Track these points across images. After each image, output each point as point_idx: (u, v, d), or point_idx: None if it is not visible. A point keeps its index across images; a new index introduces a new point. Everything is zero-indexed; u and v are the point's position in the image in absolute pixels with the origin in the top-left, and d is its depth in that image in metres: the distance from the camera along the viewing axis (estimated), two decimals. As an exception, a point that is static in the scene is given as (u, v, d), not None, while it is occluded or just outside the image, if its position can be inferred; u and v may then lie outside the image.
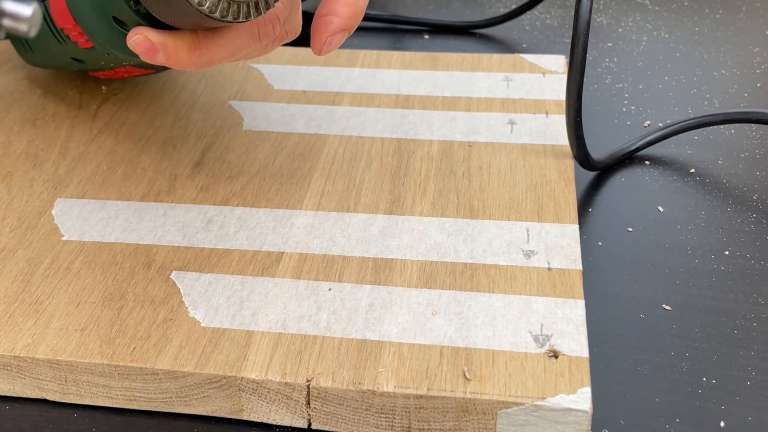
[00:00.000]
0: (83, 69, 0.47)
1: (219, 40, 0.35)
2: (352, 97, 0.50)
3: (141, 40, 0.34)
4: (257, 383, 0.33)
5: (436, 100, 0.49)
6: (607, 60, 0.58)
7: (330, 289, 0.36)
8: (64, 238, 0.40)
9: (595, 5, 0.66)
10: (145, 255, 0.39)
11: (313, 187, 0.43)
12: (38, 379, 0.34)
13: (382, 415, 0.32)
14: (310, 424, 0.33)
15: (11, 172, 0.45)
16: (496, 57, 0.54)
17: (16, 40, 0.48)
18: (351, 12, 0.36)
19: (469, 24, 0.62)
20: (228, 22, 0.33)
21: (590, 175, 0.46)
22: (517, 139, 0.46)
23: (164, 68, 0.46)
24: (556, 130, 0.46)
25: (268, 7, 0.34)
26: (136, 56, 0.35)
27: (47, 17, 0.42)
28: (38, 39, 0.46)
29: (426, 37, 0.62)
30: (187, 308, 0.36)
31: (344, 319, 0.35)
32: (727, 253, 0.41)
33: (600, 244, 0.41)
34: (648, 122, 0.50)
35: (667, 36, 0.61)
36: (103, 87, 0.47)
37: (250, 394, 0.33)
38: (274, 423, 0.33)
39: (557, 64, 0.53)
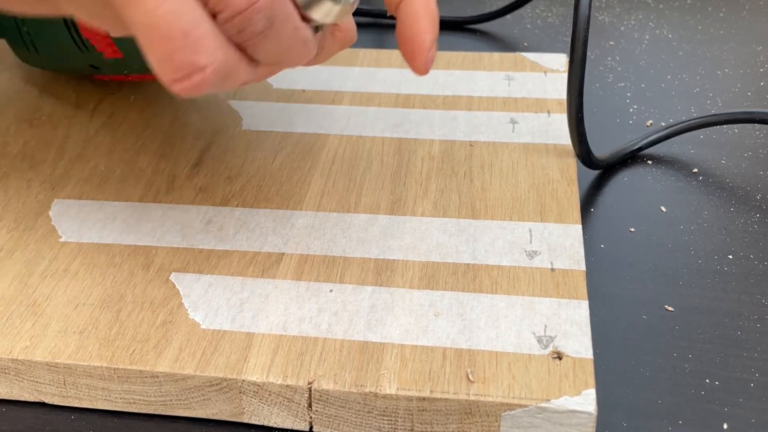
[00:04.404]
0: (94, 74, 0.47)
1: None
2: (352, 96, 0.50)
3: None
4: (258, 386, 0.32)
5: (437, 99, 0.49)
6: (609, 59, 0.57)
7: (331, 291, 0.36)
8: (61, 240, 0.40)
9: (597, 3, 0.65)
10: (143, 256, 0.38)
11: (313, 187, 0.42)
12: (36, 382, 0.34)
13: (385, 418, 0.32)
14: (311, 427, 0.33)
15: (8, 173, 0.44)
16: (497, 55, 0.53)
17: (18, 40, 0.47)
18: (433, 22, 0.35)
19: (465, 19, 0.62)
20: None
21: (592, 175, 0.46)
22: (518, 138, 0.45)
23: None
24: (558, 129, 0.46)
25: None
26: None
27: (71, 26, 0.42)
28: (51, 44, 0.45)
29: (426, 35, 0.61)
30: (186, 310, 0.35)
31: (346, 321, 0.34)
32: (730, 255, 0.40)
33: (602, 244, 0.41)
34: (650, 121, 0.50)
35: (669, 34, 0.60)
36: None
37: (251, 397, 0.33)
38: (275, 426, 0.33)
39: (559, 62, 0.52)
